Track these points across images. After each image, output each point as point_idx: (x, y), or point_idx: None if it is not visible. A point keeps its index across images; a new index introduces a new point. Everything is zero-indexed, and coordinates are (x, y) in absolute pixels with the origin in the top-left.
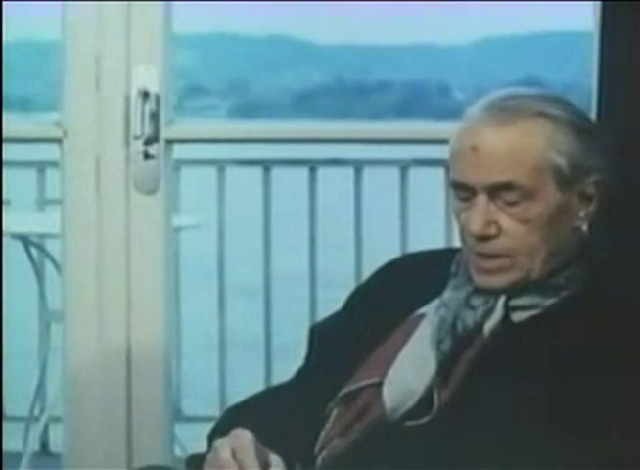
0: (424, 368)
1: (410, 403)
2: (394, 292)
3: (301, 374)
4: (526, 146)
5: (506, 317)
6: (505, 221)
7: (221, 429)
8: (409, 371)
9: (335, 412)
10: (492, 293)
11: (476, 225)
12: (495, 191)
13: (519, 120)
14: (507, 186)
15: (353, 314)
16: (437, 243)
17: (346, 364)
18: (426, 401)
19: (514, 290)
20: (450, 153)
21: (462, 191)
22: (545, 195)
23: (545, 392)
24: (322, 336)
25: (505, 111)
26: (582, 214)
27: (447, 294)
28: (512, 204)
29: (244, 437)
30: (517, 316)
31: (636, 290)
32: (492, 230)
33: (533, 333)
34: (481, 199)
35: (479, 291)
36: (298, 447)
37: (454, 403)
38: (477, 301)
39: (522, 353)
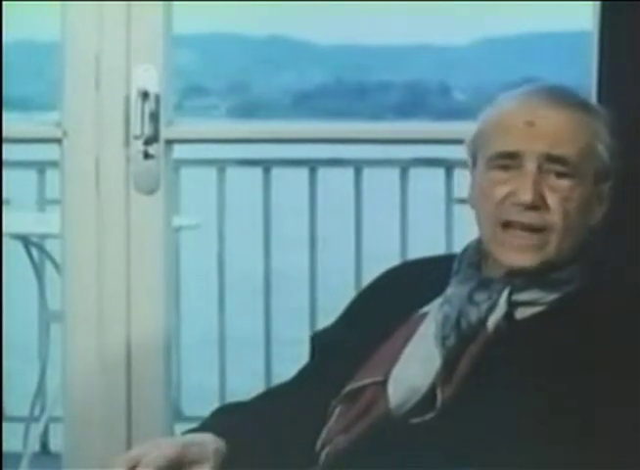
0: (429, 365)
1: (415, 400)
2: (395, 300)
3: (300, 379)
4: (579, 130)
5: (509, 313)
6: (550, 195)
7: (211, 426)
8: (414, 368)
9: (338, 410)
10: (518, 274)
11: (527, 194)
12: (546, 163)
13: (569, 107)
14: (561, 159)
15: (354, 323)
16: (437, 243)
17: (346, 373)
18: (430, 398)
19: (542, 270)
20: (493, 127)
21: (508, 159)
22: (586, 181)
23: (548, 388)
24: (322, 345)
25: (555, 96)
26: (595, 214)
27: (450, 290)
28: (561, 176)
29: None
30: (520, 313)
31: (636, 287)
32: (539, 201)
33: (536, 329)
34: (532, 167)
35: (483, 285)
36: (297, 449)
37: (458, 400)
38: (480, 296)
39: (524, 350)
